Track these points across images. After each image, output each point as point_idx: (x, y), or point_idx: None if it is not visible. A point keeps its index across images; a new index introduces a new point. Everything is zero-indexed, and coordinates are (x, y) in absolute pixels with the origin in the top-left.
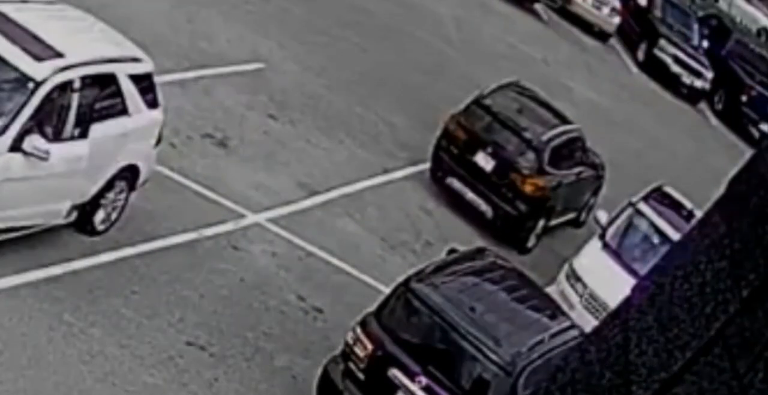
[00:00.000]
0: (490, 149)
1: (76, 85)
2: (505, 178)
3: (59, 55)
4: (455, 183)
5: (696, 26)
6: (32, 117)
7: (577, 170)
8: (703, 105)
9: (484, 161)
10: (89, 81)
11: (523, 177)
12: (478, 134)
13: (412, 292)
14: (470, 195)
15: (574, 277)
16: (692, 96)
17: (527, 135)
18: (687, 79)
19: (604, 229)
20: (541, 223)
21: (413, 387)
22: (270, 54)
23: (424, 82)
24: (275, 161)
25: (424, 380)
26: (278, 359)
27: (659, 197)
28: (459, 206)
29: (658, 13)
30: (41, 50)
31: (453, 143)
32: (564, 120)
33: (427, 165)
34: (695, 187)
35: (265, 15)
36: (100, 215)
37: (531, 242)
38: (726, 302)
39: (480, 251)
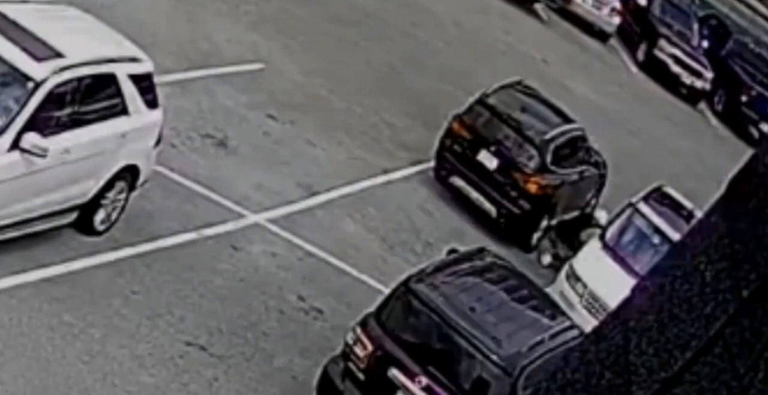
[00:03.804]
0: (493, 148)
1: (76, 85)
2: (508, 177)
3: (59, 55)
4: (459, 182)
5: (696, 26)
6: (32, 117)
7: (579, 168)
8: (703, 105)
9: (487, 160)
10: (89, 81)
11: (527, 176)
12: (481, 133)
13: (412, 292)
14: (474, 194)
15: (574, 277)
16: (692, 96)
17: (530, 134)
18: (687, 79)
19: (604, 229)
20: (544, 222)
21: (413, 387)
22: (270, 54)
23: (423, 82)
24: (275, 161)
25: (424, 380)
26: (278, 359)
27: (659, 198)
28: (463, 205)
29: (657, 13)
30: (41, 50)
31: (457, 143)
32: (567, 119)
33: (427, 165)
34: (695, 187)
35: (265, 15)
36: (100, 215)
37: (534, 241)
38: (726, 302)
39: (480, 252)
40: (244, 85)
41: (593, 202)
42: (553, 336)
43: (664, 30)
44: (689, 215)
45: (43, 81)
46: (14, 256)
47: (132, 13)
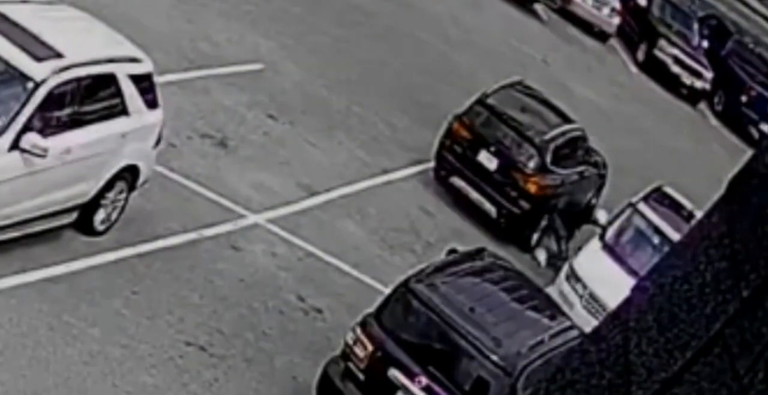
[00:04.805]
0: (493, 149)
1: (76, 85)
2: (508, 177)
3: (59, 55)
4: (459, 182)
5: (696, 26)
6: (32, 117)
7: (579, 168)
8: (703, 105)
9: (487, 160)
10: (89, 81)
11: (526, 176)
12: (481, 134)
13: (412, 292)
14: (474, 194)
15: (574, 277)
16: (692, 96)
17: (530, 134)
18: (687, 79)
19: (604, 229)
20: (544, 222)
21: (413, 387)
22: (270, 54)
23: (423, 82)
24: (275, 161)
25: (424, 380)
26: (278, 359)
27: (659, 198)
28: (463, 206)
29: (657, 13)
30: (41, 50)
31: (457, 143)
32: (567, 119)
33: (427, 165)
34: (695, 187)
35: (265, 15)
36: (100, 215)
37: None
38: (726, 302)
39: (480, 252)
40: (244, 85)
41: (593, 202)
42: (553, 336)
43: (664, 30)
44: (689, 215)
45: (43, 81)
46: (14, 256)
47: (132, 13)
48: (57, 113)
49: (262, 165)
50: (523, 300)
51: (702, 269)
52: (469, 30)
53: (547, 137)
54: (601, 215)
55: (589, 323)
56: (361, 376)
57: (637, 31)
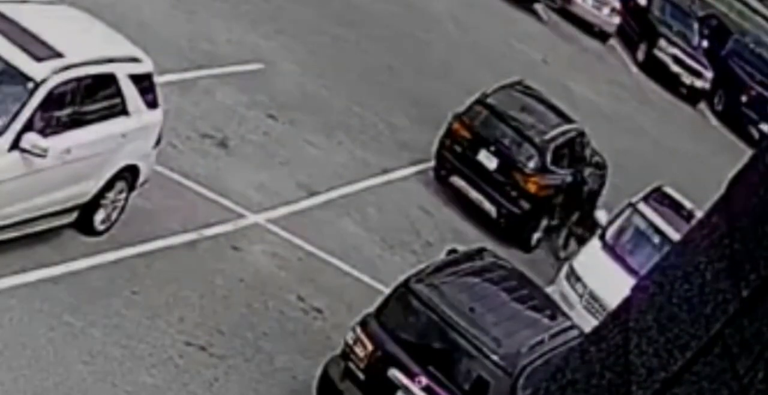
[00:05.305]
0: (493, 148)
1: (76, 85)
2: (508, 177)
3: (59, 55)
4: (459, 182)
5: (696, 26)
6: (32, 117)
7: (579, 168)
8: (703, 105)
9: (487, 159)
10: (89, 81)
11: (526, 176)
12: (481, 133)
13: (412, 292)
14: (474, 194)
15: (574, 277)
16: (692, 96)
17: (530, 134)
18: (687, 79)
19: (604, 229)
20: (544, 222)
21: (413, 387)
22: (270, 54)
23: (423, 82)
24: (275, 161)
25: (424, 380)
26: (278, 359)
27: (659, 198)
28: (463, 205)
29: (657, 13)
30: (41, 50)
31: (457, 142)
32: (567, 119)
33: (427, 165)
34: (695, 187)
35: (264, 15)
36: (100, 215)
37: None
38: (726, 302)
39: (480, 252)
40: (244, 85)
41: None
42: (553, 336)
43: (664, 30)
44: (689, 215)
45: (43, 81)
46: (14, 256)
47: (132, 13)
48: (57, 113)
49: (262, 165)
50: (523, 300)
51: (702, 269)
52: (469, 30)
53: (547, 136)
54: (601, 215)
55: (589, 323)
56: (361, 376)
57: (637, 31)
